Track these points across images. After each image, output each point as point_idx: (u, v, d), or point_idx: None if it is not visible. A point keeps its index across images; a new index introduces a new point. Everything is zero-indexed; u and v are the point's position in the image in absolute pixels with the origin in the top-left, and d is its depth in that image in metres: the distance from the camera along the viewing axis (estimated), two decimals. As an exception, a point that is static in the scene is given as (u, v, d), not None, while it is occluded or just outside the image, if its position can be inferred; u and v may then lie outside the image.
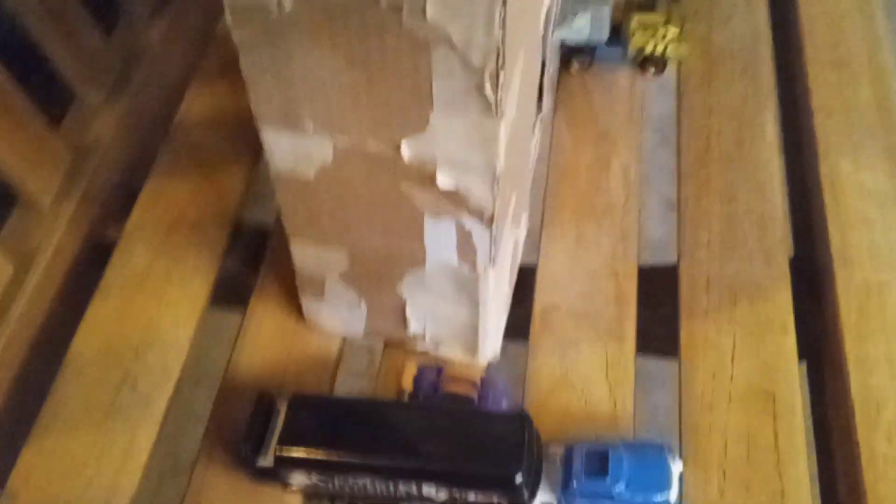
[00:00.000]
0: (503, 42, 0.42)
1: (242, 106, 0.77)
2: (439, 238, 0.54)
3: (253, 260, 0.69)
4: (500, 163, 0.48)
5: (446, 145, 0.47)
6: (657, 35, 0.78)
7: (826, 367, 0.62)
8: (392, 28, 0.42)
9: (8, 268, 0.64)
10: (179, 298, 0.66)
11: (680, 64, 0.79)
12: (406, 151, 0.48)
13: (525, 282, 0.68)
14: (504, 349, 0.65)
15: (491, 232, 0.52)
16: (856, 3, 0.80)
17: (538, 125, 0.68)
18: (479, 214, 0.51)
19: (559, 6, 0.71)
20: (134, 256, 0.67)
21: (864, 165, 0.69)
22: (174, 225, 0.69)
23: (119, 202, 0.72)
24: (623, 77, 0.79)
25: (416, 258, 0.56)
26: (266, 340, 0.65)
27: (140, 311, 0.65)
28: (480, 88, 0.43)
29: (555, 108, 0.77)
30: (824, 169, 0.69)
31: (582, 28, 0.77)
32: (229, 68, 0.80)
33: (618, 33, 0.79)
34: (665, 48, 0.78)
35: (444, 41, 0.42)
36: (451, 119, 0.46)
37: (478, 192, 0.50)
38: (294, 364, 0.64)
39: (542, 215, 0.71)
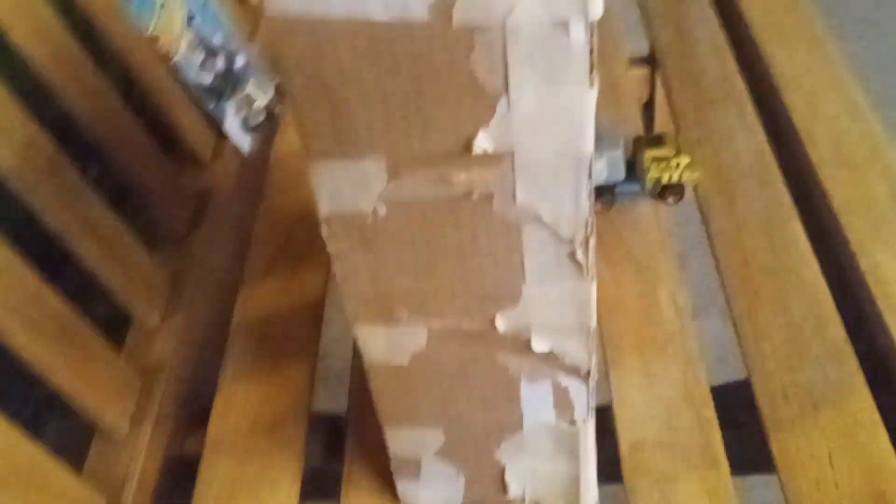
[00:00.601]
0: (591, 211, 0.44)
1: (293, 297, 0.81)
2: (536, 399, 0.55)
3: (334, 450, 0.69)
4: (594, 321, 0.50)
5: (540, 312, 0.49)
6: (670, 165, 0.82)
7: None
8: (484, 215, 0.45)
9: (100, 501, 0.64)
10: (274, 502, 0.65)
11: (696, 189, 0.83)
12: (501, 325, 0.50)
13: (604, 423, 0.69)
14: (599, 494, 0.65)
15: (588, 386, 0.54)
16: (846, 104, 0.86)
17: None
18: (575, 371, 0.53)
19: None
20: (220, 468, 0.67)
21: (898, 255, 0.72)
22: (252, 429, 0.70)
23: (194, 416, 0.72)
24: (646, 210, 0.83)
25: (514, 423, 0.57)
26: (365, 529, 0.64)
27: (238, 527, 0.64)
28: (572, 256, 0.46)
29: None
30: (865, 265, 0.72)
31: (600, 171, 0.82)
32: (274, 266, 0.83)
33: (633, 170, 0.83)
34: (680, 176, 0.82)
35: (535, 219, 0.45)
36: (544, 288, 0.48)
37: (573, 351, 0.51)
38: (398, 549, 0.63)
39: (605, 354, 0.72)
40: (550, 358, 0.52)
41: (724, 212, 0.80)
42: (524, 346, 0.51)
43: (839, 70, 0.90)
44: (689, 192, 0.84)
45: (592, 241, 0.46)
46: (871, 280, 0.71)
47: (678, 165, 0.83)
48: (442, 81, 0.40)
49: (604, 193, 0.84)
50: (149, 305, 0.75)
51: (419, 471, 0.62)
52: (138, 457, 0.68)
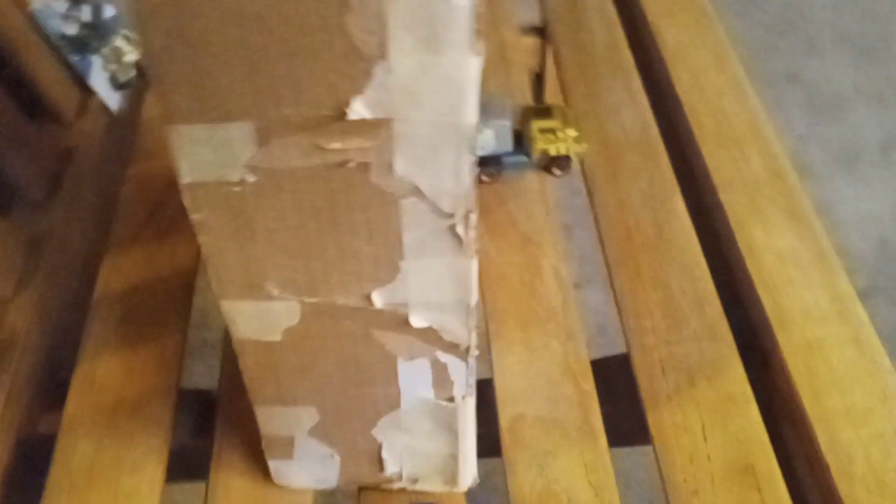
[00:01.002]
0: (473, 184, 0.43)
1: (160, 270, 0.76)
2: (414, 377, 0.53)
3: (205, 426, 0.66)
4: (475, 298, 0.48)
5: (418, 288, 0.47)
6: (558, 137, 0.81)
7: (789, 430, 0.64)
8: (359, 186, 0.42)
9: (-59, 489, 0.59)
10: (136, 485, 0.61)
11: (582, 161, 0.82)
12: (378, 300, 0.48)
13: (484, 397, 0.68)
14: (478, 469, 0.64)
15: (467, 363, 0.52)
16: (729, 81, 0.87)
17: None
18: (454, 348, 0.51)
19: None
20: (78, 450, 0.63)
21: (775, 231, 0.73)
22: (114, 408, 0.65)
23: (50, 394, 0.67)
24: (532, 181, 0.82)
25: (392, 400, 0.55)
26: (236, 509, 0.61)
27: (96, 509, 0.60)
28: (452, 231, 0.44)
29: (474, 221, 0.79)
30: (742, 242, 0.73)
31: (487, 142, 0.80)
32: (140, 235, 0.78)
33: (520, 141, 0.82)
34: (567, 148, 0.81)
35: (414, 192, 0.42)
36: (422, 262, 0.46)
37: (452, 327, 0.50)
38: (270, 530, 0.61)
39: (486, 327, 0.71)
40: (429, 334, 0.50)
41: (609, 185, 0.80)
42: (402, 322, 0.49)
43: (723, 47, 0.91)
44: (576, 164, 0.84)
45: (474, 216, 0.44)
46: (746, 256, 0.72)
47: (565, 137, 0.82)
48: (314, 41, 0.37)
49: (490, 164, 0.82)
50: (0, 275, 0.69)
51: (292, 450, 0.59)
52: (-14, 437, 0.63)
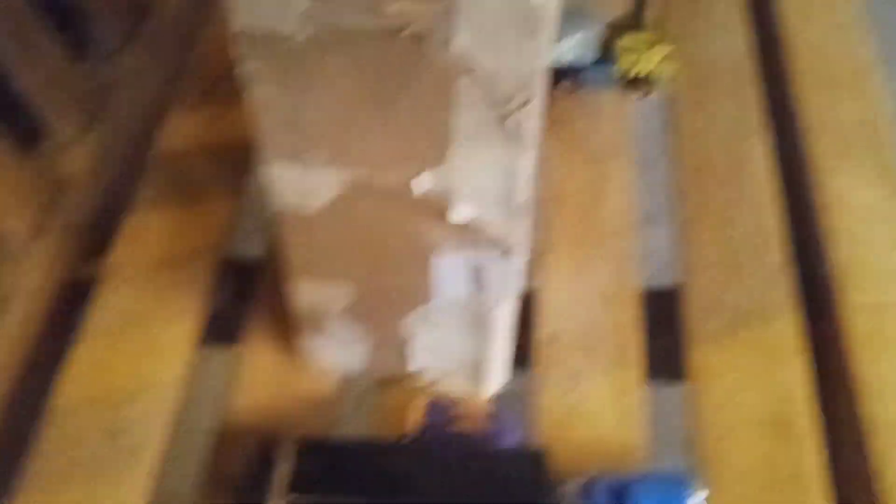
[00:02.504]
0: (534, 72, 0.40)
1: (223, 136, 0.76)
2: (450, 272, 0.52)
3: (242, 296, 0.66)
4: (523, 196, 0.46)
5: (464, 178, 0.45)
6: (644, 57, 0.77)
7: (836, 391, 0.61)
8: (414, 58, 0.40)
9: (-16, 314, 0.60)
10: (167, 341, 0.62)
11: (668, 84, 0.78)
12: (420, 186, 0.46)
13: (526, 309, 0.67)
14: (508, 380, 0.63)
15: (507, 264, 0.50)
16: (837, 22, 0.81)
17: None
18: (495, 246, 0.49)
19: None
20: (117, 297, 0.64)
21: (859, 185, 0.69)
22: (158, 262, 0.66)
23: (97, 239, 0.68)
24: (610, 99, 0.78)
25: (424, 294, 0.54)
26: (261, 380, 0.62)
27: (126, 355, 0.61)
28: (507, 119, 0.42)
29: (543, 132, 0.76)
30: (821, 189, 0.69)
31: (568, 52, 0.77)
32: (207, 97, 0.78)
33: (605, 55, 0.78)
34: (652, 70, 0.77)
35: (470, 72, 0.40)
36: (472, 151, 0.44)
37: (495, 223, 0.48)
38: (292, 403, 0.61)
39: (539, 241, 0.69)
40: (470, 229, 0.48)
41: (690, 113, 0.76)
42: (443, 212, 0.47)
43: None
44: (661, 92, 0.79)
45: (534, 107, 0.42)
46: (823, 205, 0.68)
47: (653, 58, 0.78)
48: None
49: (568, 75, 0.79)
50: (66, 116, 0.70)
51: (322, 328, 0.59)
52: (33, 271, 0.64)
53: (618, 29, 0.79)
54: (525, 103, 0.41)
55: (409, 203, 0.47)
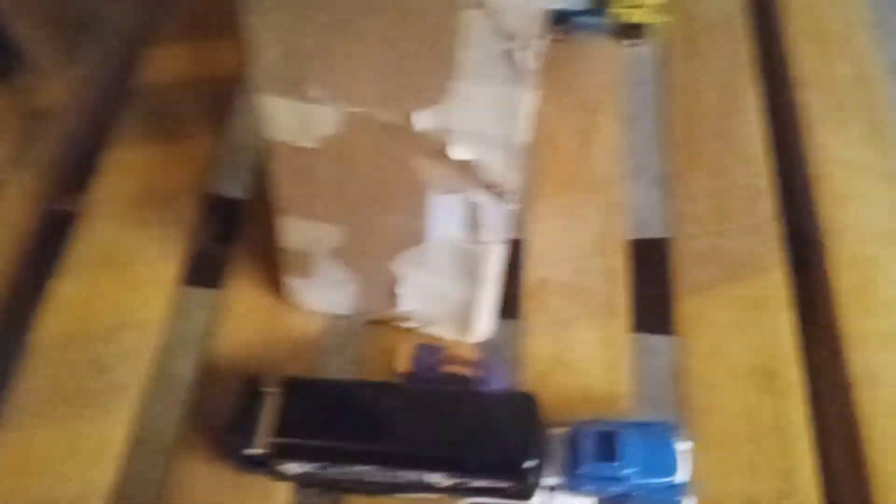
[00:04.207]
0: (539, 10, 0.39)
1: (206, 69, 0.74)
2: (445, 213, 0.51)
3: (225, 234, 0.65)
4: (522, 134, 0.45)
5: (464, 115, 0.44)
6: (638, 3, 0.76)
7: (820, 343, 0.62)
8: (422, -12, 0.39)
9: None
10: (149, 276, 0.61)
11: (660, 34, 0.77)
12: (420, 122, 0.45)
13: (513, 257, 0.66)
14: (495, 327, 0.63)
15: (503, 206, 0.50)
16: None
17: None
18: (492, 188, 0.48)
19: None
20: (98, 232, 0.62)
21: (850, 141, 0.69)
22: (139, 198, 0.64)
23: (76, 173, 0.66)
24: (602, 46, 0.77)
25: (417, 234, 0.53)
26: (244, 320, 0.61)
27: (107, 291, 0.60)
28: (511, 56, 0.41)
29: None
30: (810, 144, 0.68)
31: (561, 1, 0.75)
32: (191, 31, 0.75)
33: (598, 1, 0.77)
34: (646, 17, 0.76)
35: (478, 3, 0.39)
36: (474, 87, 0.43)
37: (494, 164, 0.47)
38: (276, 345, 0.60)
39: (528, 187, 0.69)
40: (468, 169, 0.47)
41: (681, 65, 0.75)
42: (441, 151, 0.46)
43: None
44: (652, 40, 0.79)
45: (538, 45, 0.41)
46: (812, 160, 0.68)
47: (646, 4, 0.77)
48: None
49: (560, 21, 0.77)
50: (45, 46, 0.67)
51: (310, 269, 0.58)
52: (10, 204, 0.62)
53: (611, -25, 0.78)
54: (530, 41, 0.40)
55: (407, 140, 0.46)
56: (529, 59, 0.41)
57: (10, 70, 0.65)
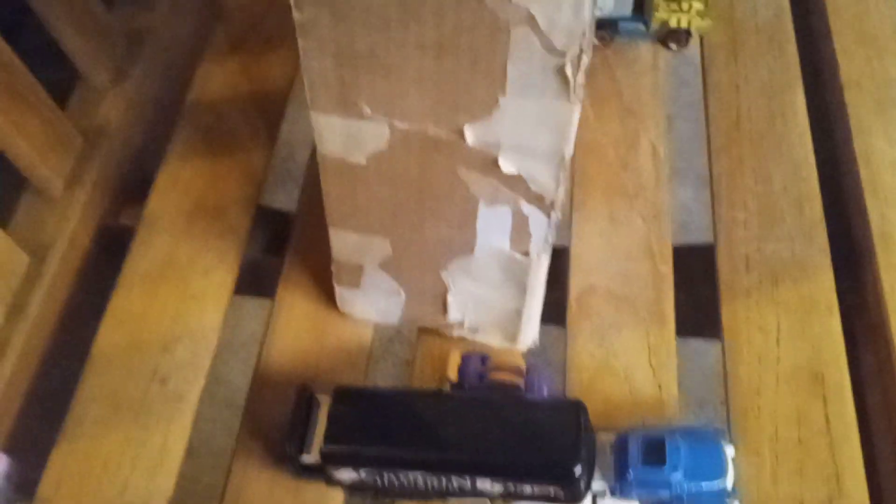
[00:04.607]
0: (589, 23, 0.40)
1: (255, 84, 0.75)
2: (493, 223, 0.52)
3: (277, 246, 0.66)
4: (570, 148, 0.46)
5: (513, 129, 0.45)
6: (681, 8, 0.76)
7: (870, 348, 0.62)
8: (471, 6, 0.40)
9: (23, 258, 0.61)
10: (205, 288, 0.63)
11: (703, 38, 0.77)
12: (470, 136, 0.46)
13: (558, 264, 0.67)
14: (540, 334, 0.64)
15: (550, 217, 0.50)
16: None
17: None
18: (539, 200, 0.49)
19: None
20: (154, 245, 0.64)
21: (897, 142, 0.68)
22: (194, 211, 0.66)
23: (133, 187, 0.68)
24: (646, 52, 0.77)
25: (466, 245, 0.54)
26: (297, 330, 0.62)
27: (165, 303, 0.62)
28: (560, 71, 0.41)
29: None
30: (858, 146, 0.68)
31: (605, 2, 0.76)
32: (240, 46, 0.77)
33: (641, 6, 0.77)
34: (689, 22, 0.76)
35: (527, 21, 0.40)
36: (523, 102, 0.44)
37: (542, 177, 0.48)
38: (327, 353, 0.62)
39: (572, 194, 0.69)
40: (516, 181, 0.48)
41: (726, 67, 0.75)
42: (491, 164, 0.47)
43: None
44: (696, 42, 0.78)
45: (586, 60, 0.41)
46: (861, 161, 0.67)
47: (689, 9, 0.77)
48: None
49: (605, 27, 0.78)
50: (100, 64, 0.69)
51: (360, 279, 0.59)
52: (70, 219, 0.64)
53: (654, -21, 0.78)
54: (579, 56, 0.41)
55: (456, 154, 0.47)
56: (578, 74, 0.42)
57: (67, 88, 0.68)
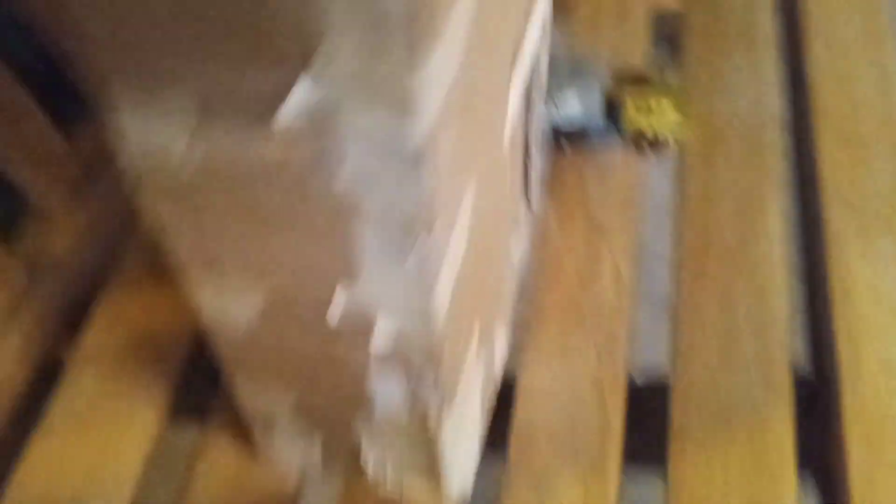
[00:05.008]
0: (433, 204, 0.36)
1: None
2: (384, 391, 0.48)
3: (212, 379, 0.64)
4: (443, 310, 0.42)
5: (379, 297, 0.42)
6: (655, 114, 0.71)
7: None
8: (301, 196, 0.37)
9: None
10: (127, 433, 0.60)
11: (680, 147, 0.72)
12: (340, 304, 0.43)
13: (505, 395, 0.63)
14: (480, 470, 0.60)
15: (440, 376, 0.47)
16: (872, 61, 0.73)
17: (524, 223, 0.63)
18: (425, 362, 0.46)
19: (540, 89, 0.65)
20: (82, 384, 0.62)
21: (881, 269, 0.61)
22: (127, 346, 0.64)
23: (75, 320, 0.67)
24: (616, 160, 0.73)
25: (365, 406, 0.51)
26: (221, 475, 0.59)
27: (82, 452, 0.60)
28: (412, 248, 0.38)
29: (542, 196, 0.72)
30: (834, 271, 0.62)
31: (571, 109, 0.71)
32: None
33: (611, 110, 0.73)
34: (664, 129, 0.71)
35: (361, 211, 0.37)
36: (383, 270, 0.40)
37: (421, 339, 0.44)
38: (250, 499, 0.59)
39: (526, 314, 0.65)
40: (395, 349, 0.45)
41: (700, 176, 0.70)
42: (364, 333, 0.44)
43: (879, 20, 0.77)
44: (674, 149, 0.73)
45: (435, 238, 0.38)
46: (836, 293, 0.61)
47: (665, 115, 0.72)
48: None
49: (572, 132, 0.73)
50: (50, 194, 0.69)
51: (273, 423, 0.56)
52: (7, 354, 0.64)
53: (627, 81, 0.74)
54: (424, 234, 0.38)
55: (329, 325, 0.44)
56: (428, 251, 0.39)
57: (12, 218, 0.68)
